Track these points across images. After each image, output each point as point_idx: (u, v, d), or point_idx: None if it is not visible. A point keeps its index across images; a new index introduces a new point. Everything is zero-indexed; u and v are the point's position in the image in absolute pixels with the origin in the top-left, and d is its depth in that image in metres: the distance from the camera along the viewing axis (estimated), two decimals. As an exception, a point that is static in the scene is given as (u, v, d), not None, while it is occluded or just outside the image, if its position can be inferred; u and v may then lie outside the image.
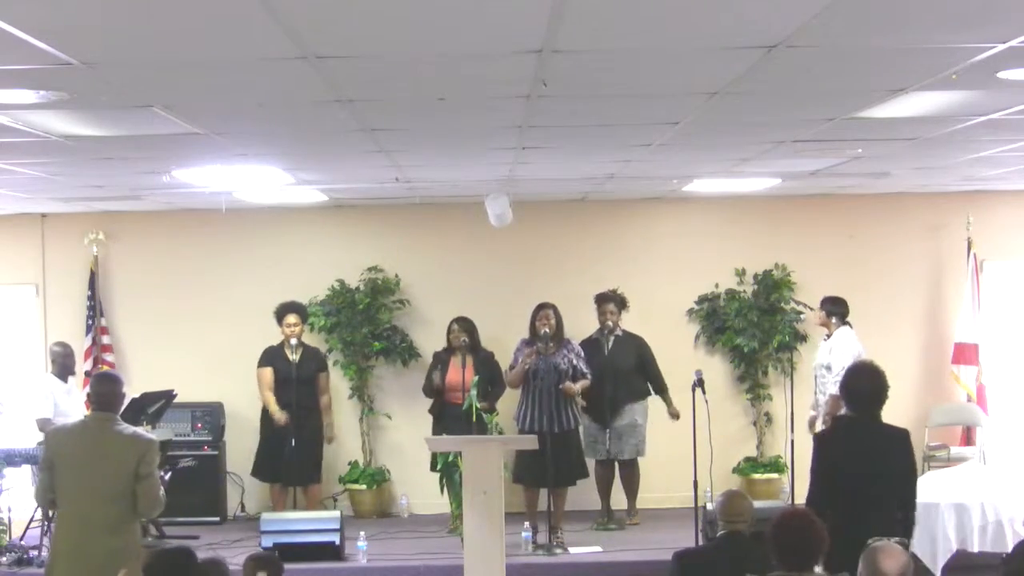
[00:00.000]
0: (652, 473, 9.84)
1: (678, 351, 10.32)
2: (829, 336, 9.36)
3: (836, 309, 9.32)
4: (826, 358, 9.09)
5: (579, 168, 8.30)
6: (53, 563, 5.86)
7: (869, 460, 5.72)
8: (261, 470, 9.82)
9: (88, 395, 6.49)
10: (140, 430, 6.21)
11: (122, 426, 5.91)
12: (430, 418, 9.64)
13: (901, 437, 5.92)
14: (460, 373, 9.32)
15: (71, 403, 9.23)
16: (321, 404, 9.82)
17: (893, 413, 9.90)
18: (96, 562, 5.66)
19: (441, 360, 9.60)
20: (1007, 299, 10.80)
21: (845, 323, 9.28)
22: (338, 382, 10.46)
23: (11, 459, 8.62)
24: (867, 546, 4.33)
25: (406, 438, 10.41)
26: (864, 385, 5.89)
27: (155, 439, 5.99)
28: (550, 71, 4.71)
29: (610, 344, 9.56)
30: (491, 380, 9.46)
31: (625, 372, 9.53)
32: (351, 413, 10.57)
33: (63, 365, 9.21)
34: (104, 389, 5.97)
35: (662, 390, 9.59)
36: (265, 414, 9.71)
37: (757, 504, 6.66)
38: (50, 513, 8.48)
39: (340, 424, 10.43)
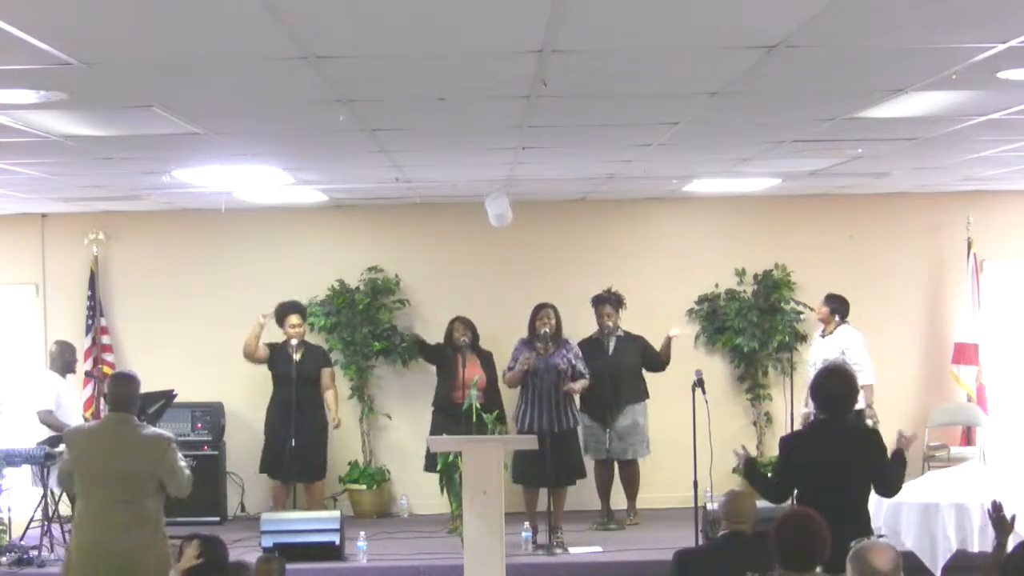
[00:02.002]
0: (652, 473, 9.84)
1: (678, 351, 10.26)
2: (826, 333, 9.46)
3: (840, 308, 9.49)
4: (834, 353, 9.16)
5: (579, 168, 8.30)
6: (71, 561, 5.87)
7: (845, 459, 5.78)
8: (267, 466, 9.79)
9: (105, 396, 6.50)
10: (159, 430, 6.21)
11: (140, 426, 5.95)
12: (430, 418, 9.65)
13: (875, 436, 6.00)
14: (460, 372, 9.33)
15: (72, 400, 9.26)
16: (327, 400, 9.79)
17: (893, 413, 10.04)
18: (115, 561, 5.68)
19: (446, 354, 9.61)
20: (1007, 299, 10.81)
21: (844, 322, 9.40)
22: (338, 382, 10.44)
23: (11, 459, 8.61)
24: (851, 548, 4.34)
25: (406, 438, 10.42)
26: (837, 387, 5.94)
27: (173, 437, 6.03)
28: (550, 71, 4.71)
29: (612, 345, 9.56)
30: (491, 381, 9.49)
31: (628, 373, 9.53)
32: (351, 413, 10.56)
33: (63, 362, 9.25)
34: (122, 389, 6.02)
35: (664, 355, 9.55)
36: (269, 412, 9.71)
37: (764, 505, 6.68)
38: (51, 513, 8.52)
39: (340, 424, 10.43)
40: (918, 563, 7.50)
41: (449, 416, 9.42)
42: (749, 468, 6.25)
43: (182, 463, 5.99)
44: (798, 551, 4.51)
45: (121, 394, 5.98)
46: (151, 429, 6.12)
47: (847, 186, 9.89)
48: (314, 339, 10.29)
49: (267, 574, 5.59)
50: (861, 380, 9.03)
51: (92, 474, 5.80)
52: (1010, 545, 5.40)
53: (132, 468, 5.79)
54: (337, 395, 9.90)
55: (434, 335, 10.00)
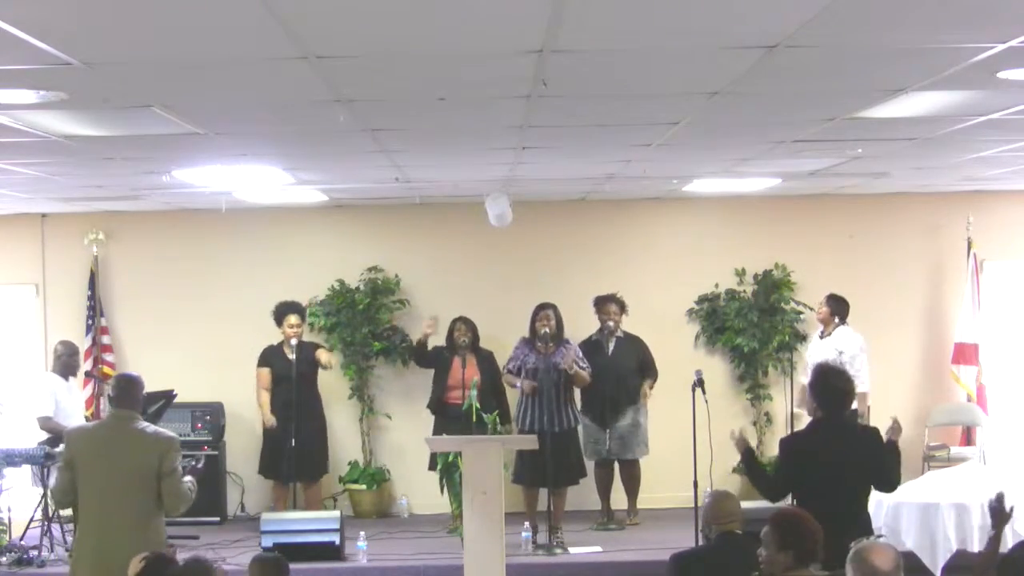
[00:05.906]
0: (652, 473, 9.83)
1: (678, 351, 10.32)
2: (825, 334, 9.48)
3: (840, 308, 9.50)
4: (830, 355, 9.13)
5: (579, 168, 8.30)
6: (77, 562, 5.86)
7: (845, 458, 5.78)
8: (266, 468, 9.82)
9: (108, 395, 6.48)
10: (160, 428, 6.20)
11: (142, 424, 5.93)
12: (430, 418, 9.66)
13: (875, 434, 6.02)
14: (460, 373, 9.33)
15: (72, 402, 9.24)
16: (325, 366, 9.76)
17: (893, 413, 9.99)
18: (119, 560, 5.66)
19: (443, 357, 9.61)
20: (1007, 299, 10.80)
21: (843, 324, 9.43)
22: (338, 382, 10.46)
23: (11, 459, 8.61)
24: (851, 548, 4.34)
25: (406, 438, 10.41)
26: (837, 385, 5.95)
27: (175, 436, 5.99)
28: (550, 71, 4.71)
29: (612, 345, 9.56)
30: (492, 380, 9.48)
31: (626, 373, 9.54)
32: (351, 413, 10.57)
33: (66, 364, 9.21)
34: (125, 388, 6.01)
35: (651, 377, 9.61)
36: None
37: (757, 505, 6.68)
38: (51, 513, 8.52)
39: (340, 424, 10.44)
40: (918, 563, 7.50)
41: (448, 417, 9.42)
42: (748, 459, 6.23)
43: (187, 480, 5.92)
44: (804, 548, 4.53)
45: (125, 392, 5.97)
46: (155, 428, 6.10)
47: (847, 186, 9.89)
48: (314, 339, 10.28)
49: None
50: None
51: (93, 472, 5.77)
52: (1006, 537, 5.47)
53: (133, 465, 5.75)
54: (332, 359, 9.92)
55: (434, 335, 9.98)
